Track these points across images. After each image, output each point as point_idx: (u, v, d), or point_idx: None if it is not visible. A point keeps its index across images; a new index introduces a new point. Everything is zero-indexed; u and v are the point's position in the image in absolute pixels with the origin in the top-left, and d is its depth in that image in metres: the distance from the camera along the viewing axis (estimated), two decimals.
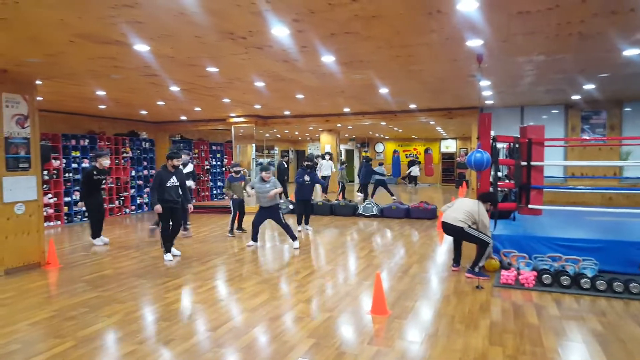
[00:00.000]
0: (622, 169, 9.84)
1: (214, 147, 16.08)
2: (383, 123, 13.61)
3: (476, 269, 5.41)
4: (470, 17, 3.71)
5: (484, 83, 7.11)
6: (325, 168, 14.66)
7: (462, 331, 3.82)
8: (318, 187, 11.62)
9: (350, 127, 16.57)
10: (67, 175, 10.50)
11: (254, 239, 7.45)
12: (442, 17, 3.72)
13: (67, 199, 10.48)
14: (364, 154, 24.54)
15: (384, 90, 7.79)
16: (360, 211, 11.09)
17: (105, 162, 7.93)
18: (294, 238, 7.28)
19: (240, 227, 9.13)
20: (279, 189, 7.24)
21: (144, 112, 11.18)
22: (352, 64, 5.56)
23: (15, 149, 6.00)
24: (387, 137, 24.12)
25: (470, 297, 4.75)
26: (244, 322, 4.06)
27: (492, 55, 5.08)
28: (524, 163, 6.23)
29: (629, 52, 5.05)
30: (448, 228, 5.62)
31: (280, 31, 4.12)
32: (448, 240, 7.54)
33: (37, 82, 6.38)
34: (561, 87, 7.68)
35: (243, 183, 8.70)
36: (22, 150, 6.08)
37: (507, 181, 7.23)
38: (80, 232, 9.37)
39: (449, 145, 23.68)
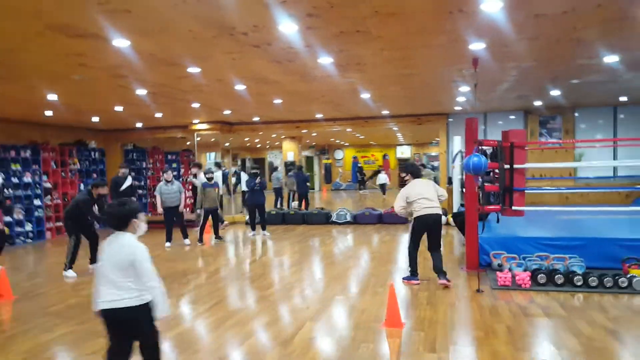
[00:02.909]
0: (576, 170, 10.47)
1: (169, 157, 15.21)
2: (349, 129, 13.57)
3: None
4: (488, 17, 3.67)
5: (464, 89, 7.22)
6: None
7: (484, 339, 3.71)
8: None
9: (314, 134, 16.40)
10: (6, 191, 9.34)
11: (170, 239, 8.49)
12: (462, 17, 3.65)
13: (8, 219, 9.30)
14: (324, 161, 24.56)
15: (365, 95, 7.69)
16: (333, 219, 10.91)
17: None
18: (186, 236, 8.70)
19: (217, 236, 8.90)
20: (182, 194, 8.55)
21: (95, 119, 10.27)
22: (347, 67, 5.39)
23: None
24: (346, 144, 24.24)
25: (475, 301, 4.69)
26: (255, 349, 3.68)
27: (488, 59, 5.12)
28: (507, 166, 6.34)
29: (609, 59, 5.30)
30: (433, 220, 5.34)
31: (288, 27, 3.85)
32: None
33: None
34: (530, 92, 8.01)
35: (217, 190, 8.55)
36: None
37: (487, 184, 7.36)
38: (24, 255, 8.34)
39: (404, 151, 24.25)
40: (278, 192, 13.60)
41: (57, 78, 5.78)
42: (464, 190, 9.22)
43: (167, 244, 8.43)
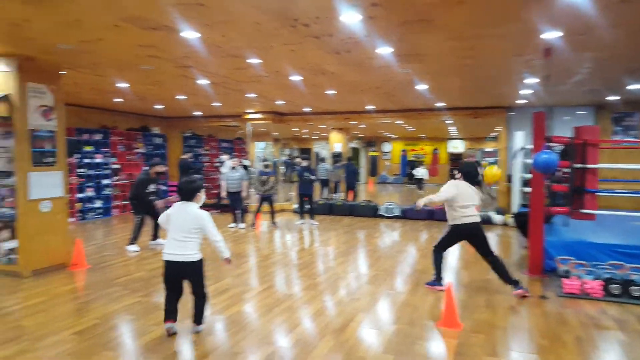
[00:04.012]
0: None
1: (223, 144, 15.70)
2: (400, 121, 13.29)
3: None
4: (568, 3, 3.41)
5: (529, 81, 6.82)
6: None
7: (549, 347, 3.52)
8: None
9: (363, 126, 16.22)
10: (80, 170, 10.08)
11: (244, 221, 9.11)
12: (537, 4, 3.42)
13: (81, 195, 10.05)
14: (370, 153, 24.31)
15: (422, 87, 7.47)
16: (381, 212, 10.78)
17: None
18: (239, 221, 9.01)
19: (273, 222, 9.21)
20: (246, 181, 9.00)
21: (159, 107, 10.77)
22: (407, 57, 5.24)
23: (41, 142, 5.60)
24: (395, 137, 23.80)
25: (538, 308, 4.45)
26: (308, 334, 3.73)
27: (561, 49, 4.78)
28: (579, 165, 5.94)
29: None
30: (476, 228, 4.79)
31: (350, 17, 3.80)
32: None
33: (62, 72, 5.97)
34: (603, 86, 7.42)
35: (273, 178, 8.85)
36: (47, 144, 5.68)
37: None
38: (94, 230, 8.97)
39: (457, 146, 23.43)
40: (324, 183, 13.72)
41: (127, 68, 6.09)
42: (525, 189, 8.78)
43: (232, 225, 9.01)
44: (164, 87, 7.83)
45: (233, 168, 8.92)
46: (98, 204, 10.55)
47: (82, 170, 10.12)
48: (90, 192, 10.33)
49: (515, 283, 4.74)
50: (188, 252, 3.49)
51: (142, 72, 6.41)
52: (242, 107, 10.88)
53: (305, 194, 9.46)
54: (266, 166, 9.08)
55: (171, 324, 3.62)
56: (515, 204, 9.19)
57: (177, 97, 8.99)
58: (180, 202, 3.59)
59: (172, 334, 3.62)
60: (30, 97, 5.43)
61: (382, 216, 10.72)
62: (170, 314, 3.63)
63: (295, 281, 5.36)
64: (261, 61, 5.57)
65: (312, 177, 9.37)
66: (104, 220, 10.21)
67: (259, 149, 18.21)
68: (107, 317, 4.06)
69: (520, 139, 9.31)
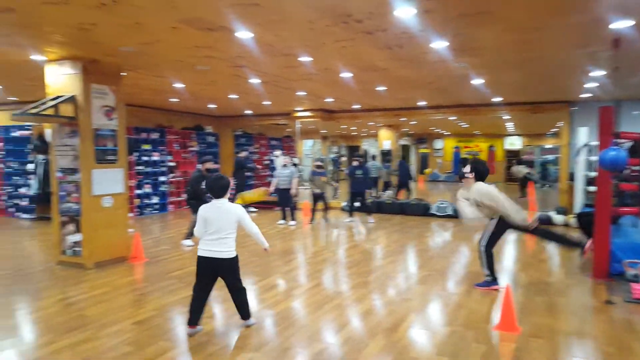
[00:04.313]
0: None
1: (272, 142, 15.98)
2: (453, 117, 12.88)
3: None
4: None
5: (595, 73, 6.37)
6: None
7: (616, 356, 3.28)
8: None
9: (413, 122, 15.87)
10: (138, 168, 10.65)
11: (294, 218, 9.13)
12: None
13: (139, 191, 10.62)
14: (420, 150, 23.76)
15: (477, 82, 7.19)
16: (432, 211, 10.51)
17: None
18: (289, 218, 9.06)
19: (325, 218, 9.41)
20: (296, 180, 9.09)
21: (212, 106, 11.13)
22: (463, 51, 5.06)
23: (104, 141, 5.95)
24: (447, 133, 23.08)
25: (604, 314, 4.15)
26: (358, 332, 3.70)
27: (633, 40, 4.41)
28: None
29: None
30: None
31: (404, 12, 3.71)
32: (541, 245, 6.93)
33: (122, 73, 6.30)
34: None
35: (325, 178, 9.06)
36: (109, 142, 6.02)
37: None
38: (150, 224, 9.43)
39: (514, 143, 22.35)
40: (374, 181, 13.60)
41: (184, 68, 6.33)
42: (589, 188, 8.23)
43: (281, 221, 9.12)
44: (218, 87, 8.07)
45: (284, 165, 9.14)
46: (155, 200, 11.09)
47: (140, 167, 10.68)
48: (147, 189, 10.87)
49: (578, 244, 4.72)
50: (227, 249, 3.53)
51: (197, 73, 6.64)
52: (291, 105, 11.00)
53: (357, 192, 9.49)
54: (318, 166, 9.24)
55: (194, 330, 3.58)
56: (578, 204, 8.65)
57: (230, 96, 9.24)
58: (214, 202, 3.59)
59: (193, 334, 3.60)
60: (94, 98, 5.77)
61: (433, 215, 10.44)
62: (196, 318, 3.58)
63: (345, 279, 5.35)
64: (312, 59, 5.59)
65: (361, 177, 9.39)
66: (160, 216, 10.71)
67: (306, 147, 18.35)
68: (163, 309, 4.25)
69: (584, 135, 8.75)
